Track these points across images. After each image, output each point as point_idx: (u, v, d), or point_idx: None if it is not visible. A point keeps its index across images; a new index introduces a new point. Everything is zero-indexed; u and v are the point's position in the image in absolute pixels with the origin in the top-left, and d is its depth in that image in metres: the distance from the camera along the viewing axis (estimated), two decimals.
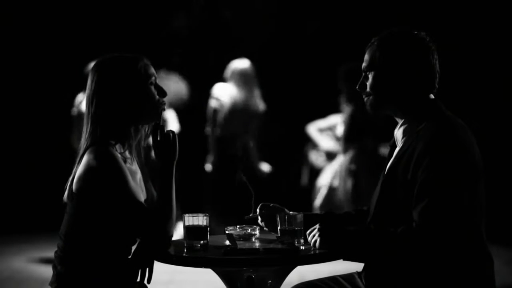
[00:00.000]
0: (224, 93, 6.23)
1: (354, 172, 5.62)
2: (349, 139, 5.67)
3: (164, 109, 2.38)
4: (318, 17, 7.72)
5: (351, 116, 5.61)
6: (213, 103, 6.24)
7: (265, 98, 6.35)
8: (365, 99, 2.33)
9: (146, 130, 2.42)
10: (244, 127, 6.19)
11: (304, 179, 7.19)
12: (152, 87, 2.37)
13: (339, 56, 6.84)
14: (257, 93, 6.23)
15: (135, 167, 2.39)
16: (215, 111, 6.21)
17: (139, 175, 2.38)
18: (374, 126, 5.67)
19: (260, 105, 6.23)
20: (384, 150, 6.84)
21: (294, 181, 7.31)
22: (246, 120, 6.18)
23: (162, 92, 2.38)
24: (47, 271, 2.42)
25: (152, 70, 2.39)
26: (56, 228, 2.36)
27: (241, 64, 6.26)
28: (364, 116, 5.58)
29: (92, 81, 2.35)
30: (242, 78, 6.18)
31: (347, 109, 5.70)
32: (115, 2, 7.61)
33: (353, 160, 5.65)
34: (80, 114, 5.41)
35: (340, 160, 5.84)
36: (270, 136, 6.69)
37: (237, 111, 6.14)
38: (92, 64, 2.42)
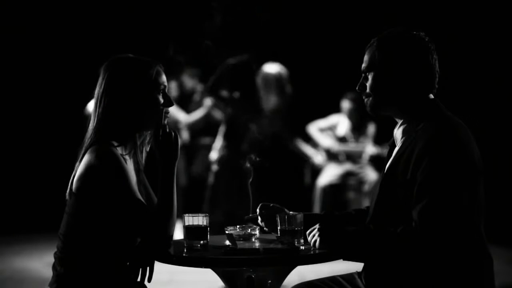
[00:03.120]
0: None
1: (216, 173, 5.46)
2: (225, 139, 5.50)
3: (167, 118, 2.38)
4: (317, 17, 7.72)
5: (230, 116, 5.43)
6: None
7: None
8: (365, 100, 2.33)
9: (149, 135, 2.42)
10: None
11: (307, 178, 7.19)
12: (160, 96, 2.37)
13: (339, 56, 6.85)
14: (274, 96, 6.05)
15: (133, 171, 2.39)
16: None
17: (135, 178, 2.38)
18: (249, 129, 5.48)
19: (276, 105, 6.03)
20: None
21: (294, 181, 7.31)
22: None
23: (169, 102, 2.38)
24: (47, 271, 2.42)
25: (164, 78, 2.39)
26: (56, 228, 2.37)
27: (269, 68, 6.04)
28: (242, 117, 5.42)
29: (102, 80, 2.35)
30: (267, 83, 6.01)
31: (228, 109, 5.49)
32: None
33: (219, 161, 5.48)
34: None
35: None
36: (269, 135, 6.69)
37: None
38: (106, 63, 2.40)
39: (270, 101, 5.97)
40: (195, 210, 5.10)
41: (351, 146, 6.97)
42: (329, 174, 6.97)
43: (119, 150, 2.32)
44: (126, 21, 7.52)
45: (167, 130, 2.33)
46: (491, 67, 7.19)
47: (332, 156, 6.98)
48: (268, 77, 6.00)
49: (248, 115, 5.33)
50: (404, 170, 2.18)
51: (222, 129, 5.46)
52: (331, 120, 7.07)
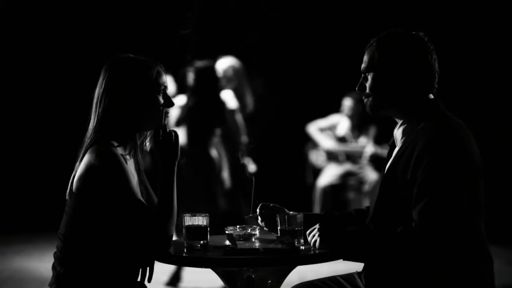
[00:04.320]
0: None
1: (185, 175, 5.38)
2: (188, 141, 5.41)
3: (167, 118, 2.38)
4: (318, 17, 7.72)
5: (193, 119, 5.36)
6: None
7: (266, 97, 6.32)
8: (365, 100, 2.33)
9: (148, 134, 2.42)
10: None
11: (309, 178, 7.19)
12: (160, 96, 2.37)
13: (340, 56, 6.85)
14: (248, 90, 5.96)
15: (134, 171, 2.39)
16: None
17: (136, 178, 2.38)
18: (212, 132, 5.36)
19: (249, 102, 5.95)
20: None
21: (295, 181, 7.32)
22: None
23: (169, 102, 2.38)
24: (47, 271, 2.42)
25: (164, 78, 2.39)
26: (56, 228, 2.37)
27: (232, 61, 5.84)
28: (206, 120, 5.34)
29: (103, 80, 2.35)
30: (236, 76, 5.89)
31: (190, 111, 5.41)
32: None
33: (187, 164, 5.41)
34: None
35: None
36: (269, 135, 6.70)
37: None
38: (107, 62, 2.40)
39: (243, 96, 5.86)
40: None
41: (351, 146, 6.97)
42: (329, 174, 6.97)
43: (119, 150, 2.32)
44: (126, 21, 7.52)
45: (167, 130, 2.33)
46: (491, 67, 7.18)
47: (332, 156, 6.98)
48: (239, 71, 5.86)
49: (212, 118, 5.29)
50: (404, 170, 2.18)
51: (185, 131, 5.39)
52: (331, 120, 7.07)
